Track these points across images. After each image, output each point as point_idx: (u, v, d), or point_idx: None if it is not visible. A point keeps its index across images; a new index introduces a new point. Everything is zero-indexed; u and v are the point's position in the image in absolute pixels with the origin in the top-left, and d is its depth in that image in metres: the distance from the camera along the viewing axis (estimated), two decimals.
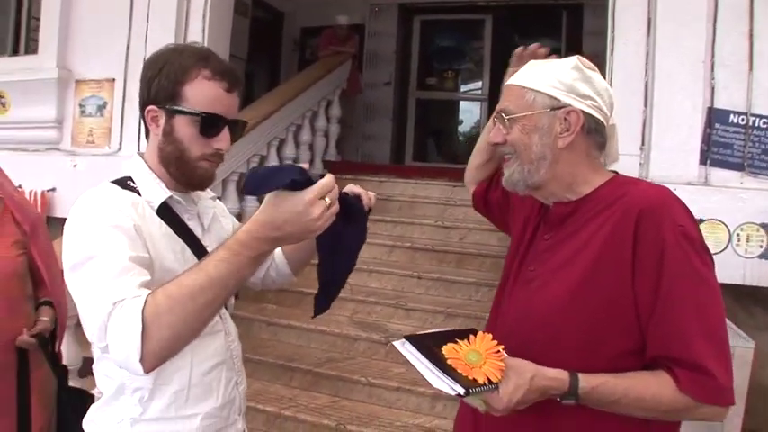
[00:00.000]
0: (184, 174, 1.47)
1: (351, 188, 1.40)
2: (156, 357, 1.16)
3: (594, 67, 1.50)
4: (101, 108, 5.18)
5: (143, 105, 1.46)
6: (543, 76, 1.47)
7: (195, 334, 1.22)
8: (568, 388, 1.29)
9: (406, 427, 3.51)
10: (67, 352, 3.39)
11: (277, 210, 1.17)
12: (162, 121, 1.43)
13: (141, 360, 1.14)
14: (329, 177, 1.20)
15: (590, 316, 1.34)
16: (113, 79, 5.12)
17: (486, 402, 1.29)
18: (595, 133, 1.46)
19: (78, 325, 3.31)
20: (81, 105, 5.27)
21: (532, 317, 1.42)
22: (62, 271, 2.51)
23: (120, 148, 5.09)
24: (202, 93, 1.42)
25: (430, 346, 1.34)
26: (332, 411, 3.66)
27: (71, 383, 3.11)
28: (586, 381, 1.29)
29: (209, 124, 1.43)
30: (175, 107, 1.41)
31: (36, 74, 5.32)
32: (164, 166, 1.47)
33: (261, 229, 1.18)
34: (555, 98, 1.43)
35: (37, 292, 2.49)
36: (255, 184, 1.21)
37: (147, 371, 1.17)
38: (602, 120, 1.46)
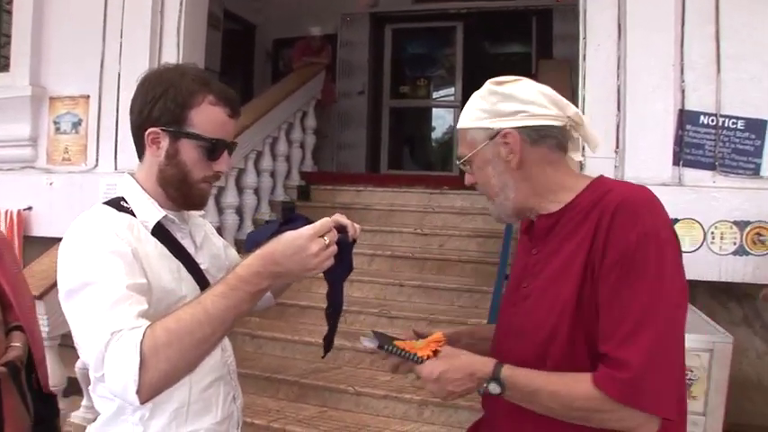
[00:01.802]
0: (184, 195, 1.48)
1: (336, 218, 1.37)
2: (152, 389, 1.18)
3: (515, 79, 1.48)
4: (76, 125, 5.14)
5: (141, 126, 1.45)
6: (469, 112, 1.49)
7: (192, 368, 1.24)
8: (492, 370, 1.32)
9: None
10: (51, 373, 3.35)
11: (278, 243, 1.22)
12: (165, 143, 1.43)
13: (138, 392, 1.15)
14: (327, 219, 1.26)
15: (586, 328, 1.32)
16: (88, 96, 5.08)
17: (416, 373, 1.40)
18: (546, 138, 1.44)
19: (61, 345, 3.30)
20: (56, 122, 5.22)
21: (526, 334, 1.41)
22: (32, 295, 2.39)
23: (96, 165, 5.06)
24: (209, 118, 1.43)
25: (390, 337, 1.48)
26: (320, 422, 3.67)
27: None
28: (511, 368, 1.32)
29: (214, 149, 1.45)
30: (182, 131, 1.42)
31: (8, 91, 5.27)
32: (161, 186, 1.47)
33: (261, 263, 1.22)
34: (487, 128, 1.44)
35: (6, 316, 2.40)
36: (255, 236, 1.29)
37: (142, 402, 1.18)
38: (546, 123, 1.43)
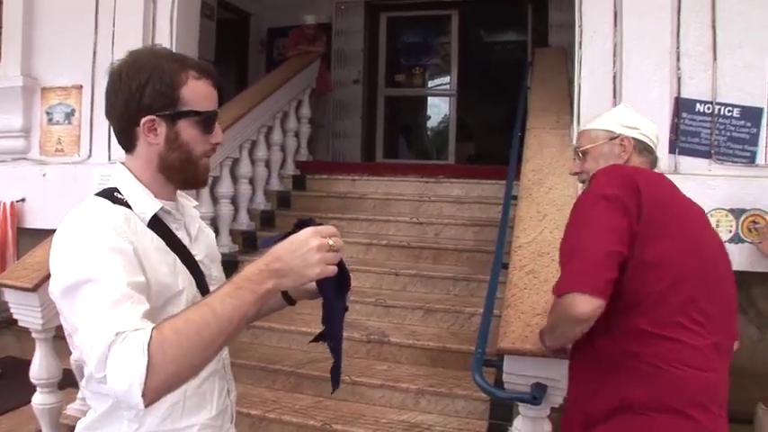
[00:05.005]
0: (189, 175, 1.47)
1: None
2: (157, 392, 1.14)
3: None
4: (69, 115, 5.11)
5: (131, 119, 1.41)
6: (602, 120, 2.04)
7: (197, 371, 1.21)
8: None
9: (391, 423, 3.52)
10: (46, 365, 3.35)
11: (283, 242, 1.23)
12: (162, 129, 1.41)
13: (143, 395, 1.12)
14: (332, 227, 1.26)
15: None
16: (81, 86, 5.06)
17: None
18: (646, 152, 1.97)
19: (56, 337, 3.29)
20: (48, 113, 5.20)
21: None
22: None
23: (90, 156, 5.03)
24: (198, 92, 1.42)
25: None
26: (316, 412, 3.67)
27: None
28: None
29: (209, 122, 1.45)
30: (179, 111, 1.40)
31: (0, 82, 5.24)
32: (163, 172, 1.45)
33: (264, 260, 1.22)
34: (611, 131, 1.98)
35: None
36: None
37: (146, 405, 1.14)
38: (650, 144, 1.97)
